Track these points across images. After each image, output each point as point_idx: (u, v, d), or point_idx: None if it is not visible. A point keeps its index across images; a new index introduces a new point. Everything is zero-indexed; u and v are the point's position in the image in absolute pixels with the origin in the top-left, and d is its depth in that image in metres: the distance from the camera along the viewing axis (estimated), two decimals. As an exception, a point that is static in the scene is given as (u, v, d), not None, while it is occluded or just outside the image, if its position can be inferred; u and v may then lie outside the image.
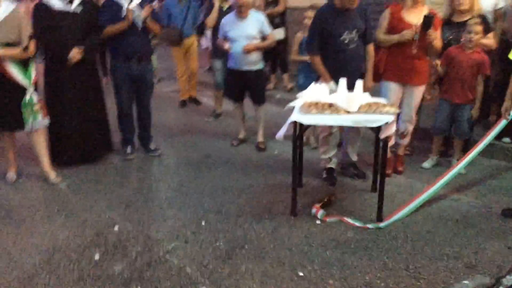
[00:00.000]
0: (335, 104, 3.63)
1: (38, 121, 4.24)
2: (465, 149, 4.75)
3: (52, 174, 4.41)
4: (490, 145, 4.24)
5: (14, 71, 4.07)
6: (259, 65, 5.21)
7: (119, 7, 4.62)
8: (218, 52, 5.82)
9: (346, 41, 4.04)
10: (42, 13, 4.35)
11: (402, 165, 4.59)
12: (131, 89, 4.89)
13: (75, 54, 4.41)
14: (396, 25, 4.15)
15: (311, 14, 5.06)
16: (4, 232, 3.54)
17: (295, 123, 3.59)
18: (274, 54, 7.37)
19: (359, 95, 3.66)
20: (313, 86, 3.91)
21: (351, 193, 4.16)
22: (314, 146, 5.25)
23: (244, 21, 5.05)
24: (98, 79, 4.88)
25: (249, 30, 5.04)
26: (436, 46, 4.15)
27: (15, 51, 4.01)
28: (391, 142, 4.00)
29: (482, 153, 4.22)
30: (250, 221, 3.66)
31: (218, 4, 6.12)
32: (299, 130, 3.69)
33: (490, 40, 4.47)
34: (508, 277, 2.92)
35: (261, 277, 2.95)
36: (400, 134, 4.51)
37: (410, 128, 4.49)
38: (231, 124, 6.12)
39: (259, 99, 5.34)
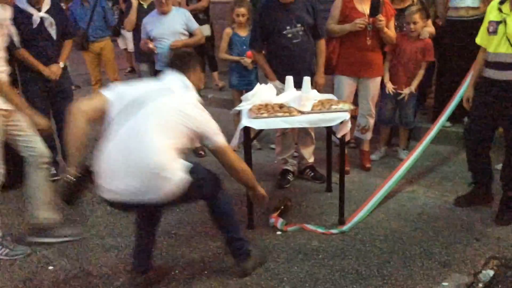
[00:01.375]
0: (286, 105, 3.37)
1: None
2: (410, 137, 4.73)
3: None
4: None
5: None
6: None
7: (29, 15, 4.04)
8: (143, 54, 5.36)
9: (289, 36, 3.79)
10: None
11: (368, 162, 4.44)
12: (48, 102, 4.34)
13: None
14: (349, 15, 3.96)
15: (243, 10, 4.77)
16: None
17: (245, 128, 3.27)
18: (201, 51, 7.01)
19: (310, 93, 3.42)
20: (259, 87, 3.61)
21: (307, 196, 3.94)
22: (258, 147, 4.99)
23: (168, 17, 4.63)
24: None
25: (174, 26, 4.62)
26: (388, 35, 4.01)
27: None
28: (347, 138, 3.83)
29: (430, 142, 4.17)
30: (205, 241, 3.32)
31: (137, 3, 5.63)
32: (250, 135, 3.39)
33: (431, 28, 4.42)
34: (483, 271, 2.83)
35: (230, 307, 2.64)
36: (361, 129, 4.36)
37: (371, 121, 4.34)
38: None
39: None
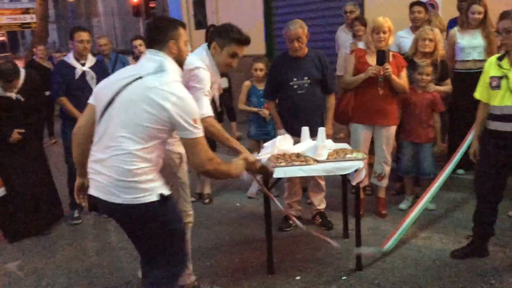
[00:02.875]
0: (302, 154, 3.56)
1: None
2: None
3: None
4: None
5: None
6: None
7: (72, 69, 4.51)
8: None
9: (295, 87, 4.10)
10: None
11: (384, 208, 4.56)
12: None
13: (15, 135, 4.27)
14: (361, 68, 4.21)
15: (261, 65, 5.07)
16: None
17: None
18: (220, 102, 7.30)
19: (326, 143, 3.62)
20: (278, 137, 3.82)
21: (324, 242, 4.05)
22: (275, 194, 5.12)
23: None
24: (43, 152, 4.68)
25: None
26: (398, 83, 4.21)
27: None
28: (364, 183, 4.01)
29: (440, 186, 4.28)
30: (227, 283, 3.45)
31: None
32: (268, 183, 3.56)
33: (447, 87, 4.67)
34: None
35: None
36: (377, 177, 4.52)
37: (387, 169, 4.49)
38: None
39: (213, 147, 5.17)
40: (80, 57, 4.55)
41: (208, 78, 3.05)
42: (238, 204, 5.04)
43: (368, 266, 3.57)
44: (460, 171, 5.01)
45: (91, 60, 4.63)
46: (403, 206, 4.69)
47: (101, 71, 4.64)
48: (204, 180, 5.19)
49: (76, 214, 4.75)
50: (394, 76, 4.17)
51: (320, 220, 4.37)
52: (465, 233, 4.04)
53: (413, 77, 4.45)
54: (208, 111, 3.03)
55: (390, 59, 4.17)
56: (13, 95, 4.27)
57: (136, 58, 6.25)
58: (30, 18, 17.16)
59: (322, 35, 7.54)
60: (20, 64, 6.87)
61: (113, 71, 6.43)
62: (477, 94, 3.58)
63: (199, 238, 4.22)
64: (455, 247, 3.79)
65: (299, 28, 4.01)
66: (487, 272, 3.43)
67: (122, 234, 4.37)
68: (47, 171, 4.64)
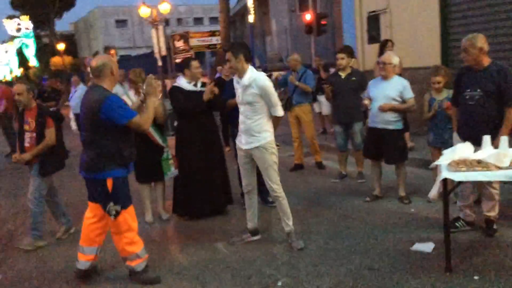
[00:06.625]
0: (483, 161, 3.73)
1: (172, 172, 5.56)
2: None
3: (164, 214, 5.68)
4: None
5: (156, 135, 5.39)
6: (396, 125, 5.48)
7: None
8: (337, 117, 6.58)
9: (467, 97, 4.32)
10: (178, 93, 5.52)
11: None
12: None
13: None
14: None
15: (439, 78, 5.26)
16: None
17: (444, 181, 3.72)
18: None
19: (508, 151, 3.74)
20: (459, 145, 4.05)
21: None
22: (454, 200, 5.23)
23: (387, 83, 5.48)
24: (219, 139, 5.84)
25: (388, 91, 5.42)
26: None
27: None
28: None
29: None
30: (405, 277, 3.78)
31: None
32: (447, 187, 3.80)
33: None
34: None
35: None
36: None
37: None
38: (357, 184, 6.41)
39: (396, 158, 5.56)
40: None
41: None
42: (413, 210, 5.29)
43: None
44: None
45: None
46: None
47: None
48: (399, 185, 5.64)
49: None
50: None
51: (485, 225, 4.46)
52: None
53: None
54: None
55: None
56: (198, 89, 5.46)
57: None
58: (215, 40, 19.27)
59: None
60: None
61: (299, 80, 7.34)
62: None
63: (375, 236, 4.62)
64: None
65: (467, 40, 4.25)
66: None
67: (305, 227, 5.05)
68: (222, 159, 5.71)
